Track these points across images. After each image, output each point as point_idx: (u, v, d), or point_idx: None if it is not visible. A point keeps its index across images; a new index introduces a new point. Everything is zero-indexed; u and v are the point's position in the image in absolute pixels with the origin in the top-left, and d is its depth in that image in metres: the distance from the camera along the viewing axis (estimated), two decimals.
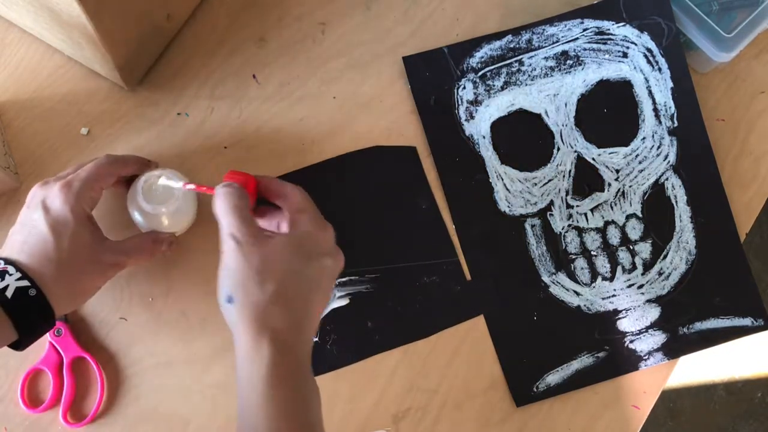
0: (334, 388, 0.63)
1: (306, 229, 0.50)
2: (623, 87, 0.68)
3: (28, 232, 0.51)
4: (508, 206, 0.66)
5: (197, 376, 0.62)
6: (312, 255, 0.49)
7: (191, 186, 0.56)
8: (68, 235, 0.51)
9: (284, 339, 0.46)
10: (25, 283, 0.48)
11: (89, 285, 0.54)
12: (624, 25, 0.69)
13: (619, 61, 0.69)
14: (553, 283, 0.65)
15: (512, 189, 0.67)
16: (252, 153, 0.67)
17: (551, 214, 0.66)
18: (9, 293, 0.47)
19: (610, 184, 0.67)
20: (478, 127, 0.67)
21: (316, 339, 0.63)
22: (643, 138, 0.68)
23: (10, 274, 0.48)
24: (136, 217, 0.60)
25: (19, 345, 0.50)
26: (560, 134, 0.67)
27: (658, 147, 0.68)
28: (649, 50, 0.69)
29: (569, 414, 0.64)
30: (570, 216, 0.66)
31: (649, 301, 0.66)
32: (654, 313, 0.65)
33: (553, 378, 0.64)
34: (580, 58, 0.68)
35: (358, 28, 0.70)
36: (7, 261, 0.50)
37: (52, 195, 0.52)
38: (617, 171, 0.67)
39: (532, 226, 0.66)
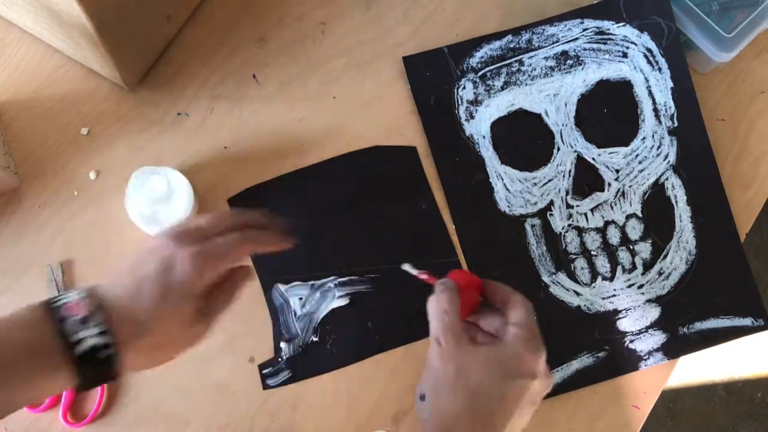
0: (334, 388, 0.63)
1: (514, 346, 0.47)
2: (623, 87, 0.68)
3: (136, 282, 0.45)
4: (508, 206, 0.66)
5: (197, 375, 0.62)
6: (514, 374, 0.46)
7: (414, 271, 0.52)
8: (175, 311, 0.45)
9: None
10: (102, 340, 0.42)
11: (171, 354, 0.48)
12: (624, 25, 0.69)
13: (619, 61, 0.69)
14: (553, 283, 0.65)
15: (512, 189, 0.67)
16: (252, 153, 0.67)
17: (551, 214, 0.66)
18: (80, 349, 0.42)
19: (610, 184, 0.67)
20: (478, 127, 0.67)
21: (316, 339, 0.63)
22: (643, 138, 0.68)
23: (94, 326, 0.42)
24: (133, 216, 0.60)
25: (76, 390, 0.45)
26: (560, 134, 0.67)
27: (658, 147, 0.68)
28: (649, 50, 0.69)
29: (569, 414, 0.64)
30: (570, 216, 0.66)
31: (649, 301, 0.66)
32: (654, 313, 0.65)
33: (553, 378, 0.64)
34: (580, 58, 0.68)
35: (358, 28, 0.70)
36: (101, 305, 0.43)
37: (180, 260, 0.45)
38: (617, 171, 0.67)
39: (532, 226, 0.66)
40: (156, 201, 0.57)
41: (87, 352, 0.42)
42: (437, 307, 0.48)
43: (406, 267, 0.53)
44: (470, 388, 0.45)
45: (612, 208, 0.67)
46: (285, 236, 0.52)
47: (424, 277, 0.52)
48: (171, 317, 0.45)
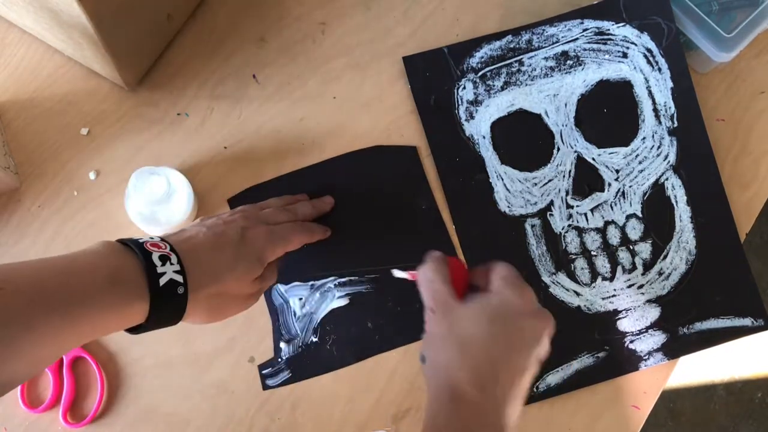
0: (334, 388, 0.63)
1: (498, 292, 0.49)
2: (623, 87, 0.68)
3: (214, 242, 0.50)
4: (508, 206, 0.66)
5: (197, 376, 0.62)
6: (501, 316, 0.48)
7: (403, 274, 0.54)
8: (244, 270, 0.51)
9: (463, 393, 0.45)
10: (179, 278, 0.46)
11: (226, 312, 0.53)
12: (624, 25, 0.69)
13: (619, 61, 0.69)
14: (553, 283, 0.65)
15: (512, 189, 0.67)
16: (252, 153, 0.67)
17: (551, 214, 0.66)
18: (163, 280, 0.45)
19: (610, 184, 0.67)
20: (478, 127, 0.67)
21: (316, 339, 0.63)
22: (643, 138, 0.68)
23: (171, 264, 0.46)
24: (133, 216, 0.60)
25: (136, 329, 0.47)
26: (560, 134, 0.67)
27: (658, 147, 0.68)
28: (649, 50, 0.69)
29: (569, 414, 0.64)
30: (570, 216, 0.66)
31: (649, 301, 0.66)
32: (654, 313, 0.65)
33: (553, 378, 0.64)
34: (580, 59, 0.68)
35: (358, 28, 0.70)
36: (172, 249, 0.47)
37: (257, 232, 0.53)
38: (617, 171, 0.67)
39: (532, 226, 0.66)
40: (156, 201, 0.57)
41: (167, 285, 0.45)
42: (424, 277, 0.50)
43: (397, 273, 0.54)
44: (461, 337, 0.47)
45: (612, 208, 0.67)
46: (325, 231, 0.62)
47: (411, 278, 0.53)
48: (241, 276, 0.51)
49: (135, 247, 0.46)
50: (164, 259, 0.46)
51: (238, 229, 0.53)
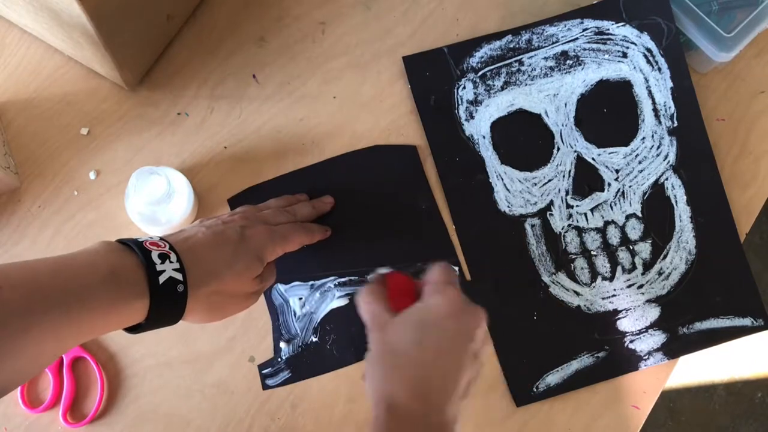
0: (334, 388, 0.63)
1: (424, 300, 0.50)
2: (623, 87, 0.68)
3: (213, 241, 0.51)
4: (508, 206, 0.66)
5: (197, 376, 0.62)
6: (429, 323, 0.48)
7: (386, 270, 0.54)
8: (243, 269, 0.51)
9: (400, 408, 0.45)
10: (179, 276, 0.46)
11: (225, 311, 0.54)
12: (624, 25, 0.69)
13: (619, 61, 0.69)
14: (553, 283, 0.65)
15: (512, 189, 0.67)
16: (252, 153, 0.67)
17: (551, 214, 0.66)
18: (162, 278, 0.45)
19: (610, 184, 0.67)
20: (478, 127, 0.67)
21: (316, 339, 0.63)
22: (643, 138, 0.68)
23: (171, 261, 0.46)
24: (133, 216, 0.60)
25: (135, 329, 0.47)
26: (560, 134, 0.67)
27: (658, 147, 0.68)
28: (649, 50, 0.69)
29: (569, 414, 0.64)
30: (570, 216, 0.66)
31: (649, 301, 0.66)
32: (654, 313, 0.65)
33: (553, 378, 0.64)
34: (580, 58, 0.68)
35: (358, 28, 0.70)
36: (171, 247, 0.48)
37: (256, 231, 0.53)
38: (617, 171, 0.67)
39: (532, 226, 0.66)
40: (156, 201, 0.57)
41: (166, 283, 0.45)
42: (361, 299, 0.51)
43: (380, 270, 0.55)
44: (393, 350, 0.48)
45: (612, 208, 0.67)
46: (325, 231, 0.63)
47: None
48: (241, 274, 0.51)
49: (134, 246, 0.46)
50: (164, 257, 0.46)
51: (237, 228, 0.53)
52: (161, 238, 0.48)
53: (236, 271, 0.51)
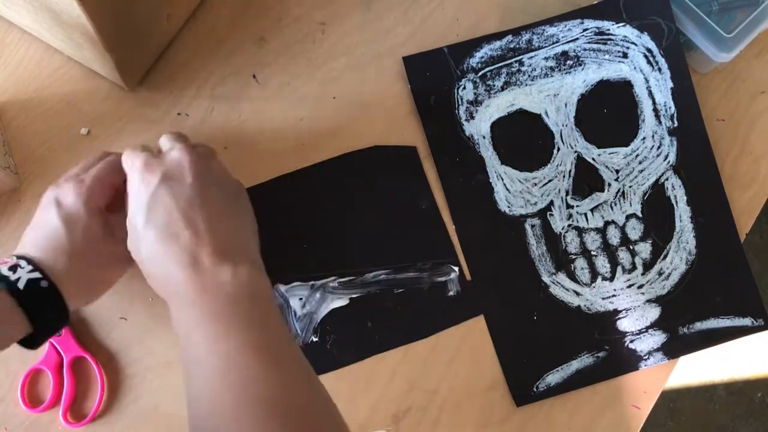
0: (334, 388, 0.62)
1: (173, 159, 0.52)
2: (623, 87, 0.68)
3: (40, 228, 0.52)
4: (508, 206, 0.66)
5: None
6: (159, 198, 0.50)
7: None
8: (81, 228, 0.51)
9: (208, 267, 0.47)
10: (36, 275, 0.49)
11: (104, 278, 0.55)
12: (624, 26, 0.69)
13: (619, 62, 0.69)
14: (553, 283, 0.65)
15: (512, 189, 0.67)
16: (252, 153, 0.67)
17: (551, 214, 0.66)
18: (21, 284, 0.47)
19: (610, 184, 0.67)
20: (478, 127, 0.67)
21: (316, 339, 0.63)
22: (643, 138, 0.68)
23: (22, 267, 0.49)
24: None
25: (34, 341, 0.50)
26: (560, 134, 0.67)
27: (658, 147, 0.68)
28: (649, 50, 0.69)
29: (569, 414, 0.64)
30: (570, 216, 0.66)
31: (649, 301, 0.66)
32: (654, 313, 0.65)
33: (553, 378, 0.64)
34: (580, 59, 0.68)
35: (358, 28, 0.70)
36: (19, 257, 0.50)
37: (65, 191, 0.53)
38: (617, 171, 0.67)
39: (532, 226, 0.66)
40: None
41: (28, 285, 0.48)
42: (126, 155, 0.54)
43: None
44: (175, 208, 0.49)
45: (612, 208, 0.67)
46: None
47: None
48: (83, 235, 0.51)
49: None
50: (14, 267, 0.49)
51: (51, 200, 0.53)
52: (11, 255, 0.51)
53: (75, 239, 0.51)
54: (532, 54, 0.69)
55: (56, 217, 0.51)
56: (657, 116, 0.68)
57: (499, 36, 0.69)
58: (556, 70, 0.68)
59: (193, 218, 0.49)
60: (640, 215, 0.67)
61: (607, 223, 0.67)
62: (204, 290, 0.46)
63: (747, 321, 0.66)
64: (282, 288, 0.64)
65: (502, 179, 0.67)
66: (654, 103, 0.68)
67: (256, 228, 0.56)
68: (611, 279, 0.66)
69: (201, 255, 0.47)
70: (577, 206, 0.66)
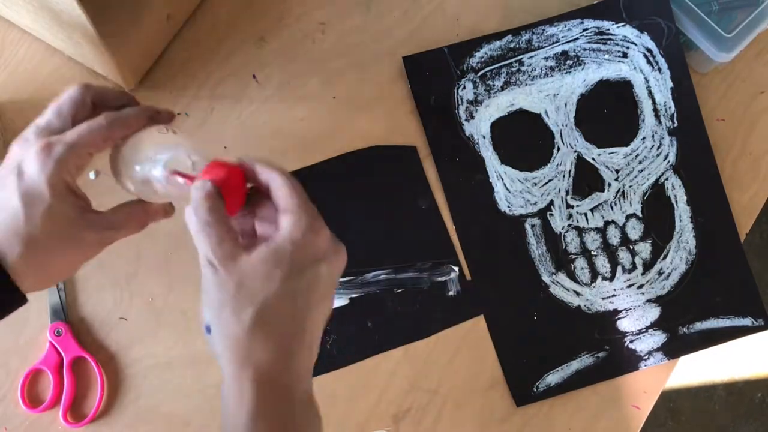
0: (334, 388, 0.63)
1: (289, 236, 0.41)
2: (623, 87, 0.68)
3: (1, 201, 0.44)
4: (508, 206, 0.66)
5: (197, 376, 0.62)
6: (301, 265, 0.41)
7: (180, 180, 0.46)
8: (42, 209, 0.43)
9: (270, 371, 0.40)
10: None
11: (65, 265, 0.46)
12: (624, 26, 0.69)
13: (619, 61, 0.69)
14: (553, 283, 0.65)
15: (512, 189, 0.67)
16: (252, 153, 0.66)
17: (551, 214, 0.66)
18: None
19: (610, 184, 0.67)
20: (478, 127, 0.67)
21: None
22: (643, 138, 0.68)
23: None
24: (124, 181, 0.53)
25: None
26: (560, 134, 0.67)
27: (658, 147, 0.68)
28: (649, 50, 0.69)
29: (569, 414, 0.64)
30: (570, 216, 0.66)
31: (649, 301, 0.66)
32: (654, 313, 0.65)
33: (553, 378, 0.64)
34: (580, 58, 0.68)
35: (358, 28, 0.70)
36: None
37: (29, 158, 0.43)
38: (617, 171, 0.67)
39: (532, 226, 0.66)
40: (146, 162, 0.53)
41: None
42: (198, 220, 0.41)
43: (178, 179, 0.45)
44: (257, 297, 0.40)
45: (612, 208, 0.67)
46: (155, 114, 0.49)
47: (181, 180, 0.45)
48: (43, 218, 0.43)
49: None
50: None
51: (13, 166, 0.44)
52: None
53: (33, 223, 0.42)
54: (532, 54, 0.69)
55: (15, 192, 0.43)
56: (657, 116, 0.68)
57: (498, 36, 0.69)
58: (556, 69, 0.68)
59: (307, 341, 0.42)
60: (640, 215, 0.67)
61: (607, 223, 0.67)
62: (274, 396, 0.41)
63: (747, 321, 0.66)
64: None
65: (502, 179, 0.67)
66: (654, 102, 0.68)
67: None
68: (611, 279, 0.66)
69: (287, 378, 0.41)
70: (577, 206, 0.66)
